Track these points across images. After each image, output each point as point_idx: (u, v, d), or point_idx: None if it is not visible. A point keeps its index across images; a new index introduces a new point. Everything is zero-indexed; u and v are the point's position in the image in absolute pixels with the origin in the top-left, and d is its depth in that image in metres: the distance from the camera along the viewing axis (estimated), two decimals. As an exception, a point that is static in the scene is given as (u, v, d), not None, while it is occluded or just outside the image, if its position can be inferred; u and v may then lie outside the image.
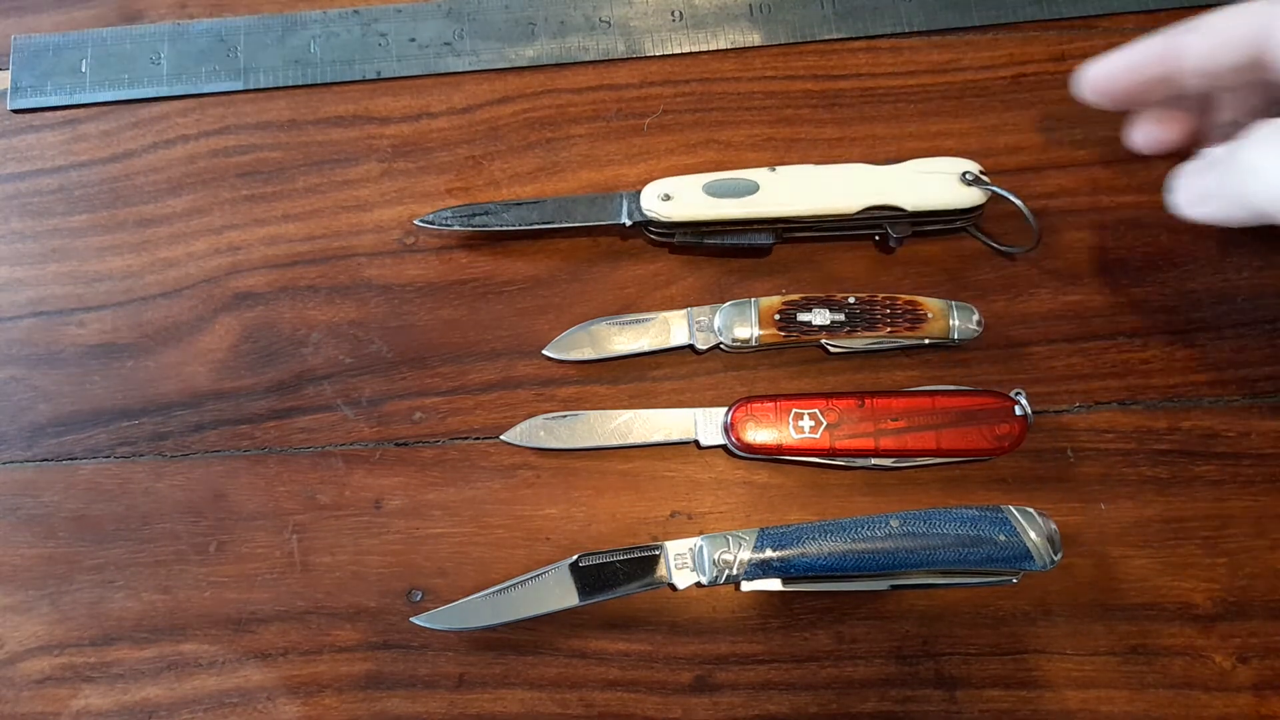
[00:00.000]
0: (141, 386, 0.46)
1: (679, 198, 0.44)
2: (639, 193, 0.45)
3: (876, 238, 0.46)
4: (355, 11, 0.51)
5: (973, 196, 0.44)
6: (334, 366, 0.46)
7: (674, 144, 0.49)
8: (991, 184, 0.44)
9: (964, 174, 0.44)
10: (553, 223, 0.45)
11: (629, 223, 0.45)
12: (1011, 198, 0.43)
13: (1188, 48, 0.39)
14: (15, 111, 0.50)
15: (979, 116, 0.49)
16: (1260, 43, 0.37)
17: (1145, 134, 0.44)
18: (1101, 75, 0.42)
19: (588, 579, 0.40)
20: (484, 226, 0.46)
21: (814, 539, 0.40)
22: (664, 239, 0.46)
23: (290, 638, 0.43)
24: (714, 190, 0.44)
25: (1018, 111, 0.48)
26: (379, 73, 0.50)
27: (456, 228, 0.46)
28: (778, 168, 0.45)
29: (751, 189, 0.44)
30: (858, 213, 0.44)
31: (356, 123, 0.50)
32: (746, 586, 0.41)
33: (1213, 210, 0.37)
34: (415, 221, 0.46)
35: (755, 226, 0.45)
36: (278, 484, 0.45)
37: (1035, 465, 0.43)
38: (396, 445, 0.45)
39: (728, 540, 0.40)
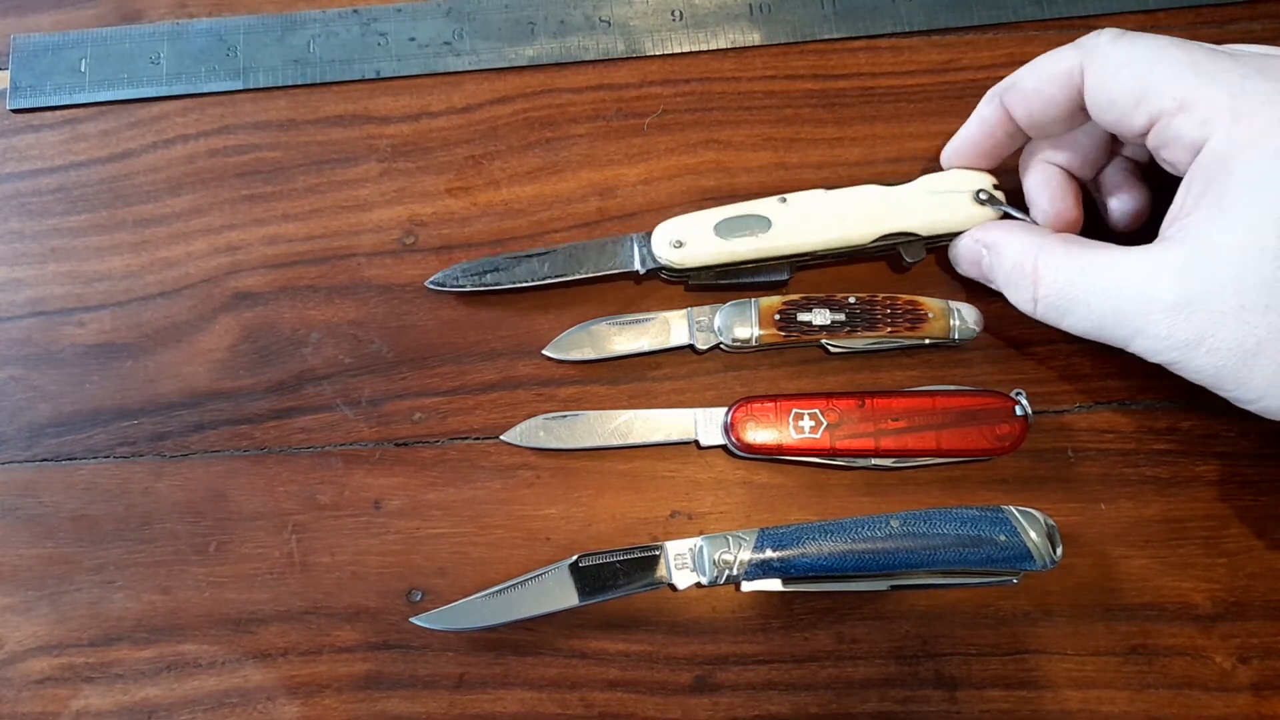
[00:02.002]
0: (141, 386, 0.46)
1: (691, 244, 0.43)
2: (649, 235, 0.44)
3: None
4: (355, 11, 0.51)
5: (986, 214, 0.43)
6: (334, 366, 0.46)
7: (674, 144, 0.49)
8: (1005, 204, 0.43)
9: (978, 193, 0.43)
10: (564, 275, 0.45)
11: (643, 270, 0.45)
12: (1024, 218, 0.43)
13: (1014, 113, 0.41)
14: (14, 111, 0.50)
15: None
16: (1074, 85, 0.38)
17: (1038, 211, 0.43)
18: (956, 155, 0.44)
19: (588, 579, 0.40)
20: (495, 285, 0.45)
21: (814, 539, 0.40)
22: (679, 281, 0.46)
23: (290, 638, 0.43)
24: (725, 231, 0.43)
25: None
26: (378, 72, 0.50)
27: (468, 288, 0.45)
28: (787, 197, 0.44)
29: (763, 226, 0.43)
30: (872, 242, 0.43)
31: (356, 122, 0.50)
32: (746, 587, 0.41)
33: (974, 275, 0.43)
34: (426, 284, 0.45)
35: (770, 263, 0.44)
36: (277, 484, 0.45)
37: (1035, 465, 0.43)
38: (396, 445, 0.45)
39: (728, 540, 0.40)
